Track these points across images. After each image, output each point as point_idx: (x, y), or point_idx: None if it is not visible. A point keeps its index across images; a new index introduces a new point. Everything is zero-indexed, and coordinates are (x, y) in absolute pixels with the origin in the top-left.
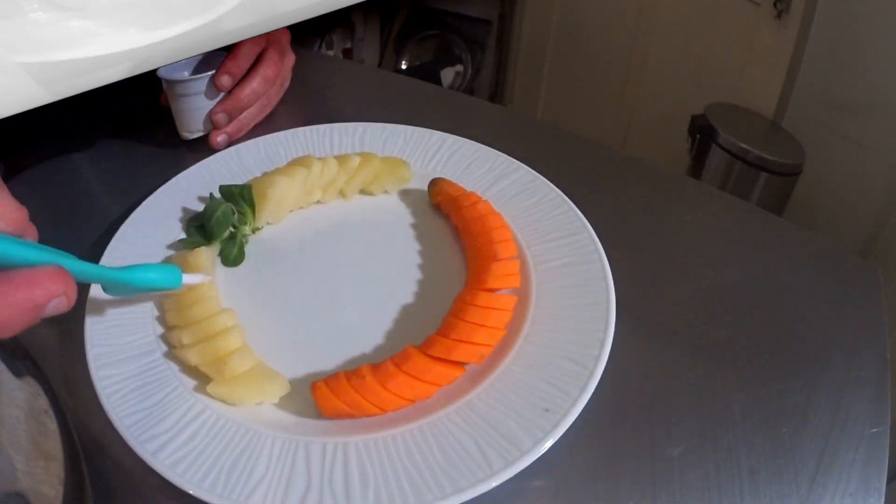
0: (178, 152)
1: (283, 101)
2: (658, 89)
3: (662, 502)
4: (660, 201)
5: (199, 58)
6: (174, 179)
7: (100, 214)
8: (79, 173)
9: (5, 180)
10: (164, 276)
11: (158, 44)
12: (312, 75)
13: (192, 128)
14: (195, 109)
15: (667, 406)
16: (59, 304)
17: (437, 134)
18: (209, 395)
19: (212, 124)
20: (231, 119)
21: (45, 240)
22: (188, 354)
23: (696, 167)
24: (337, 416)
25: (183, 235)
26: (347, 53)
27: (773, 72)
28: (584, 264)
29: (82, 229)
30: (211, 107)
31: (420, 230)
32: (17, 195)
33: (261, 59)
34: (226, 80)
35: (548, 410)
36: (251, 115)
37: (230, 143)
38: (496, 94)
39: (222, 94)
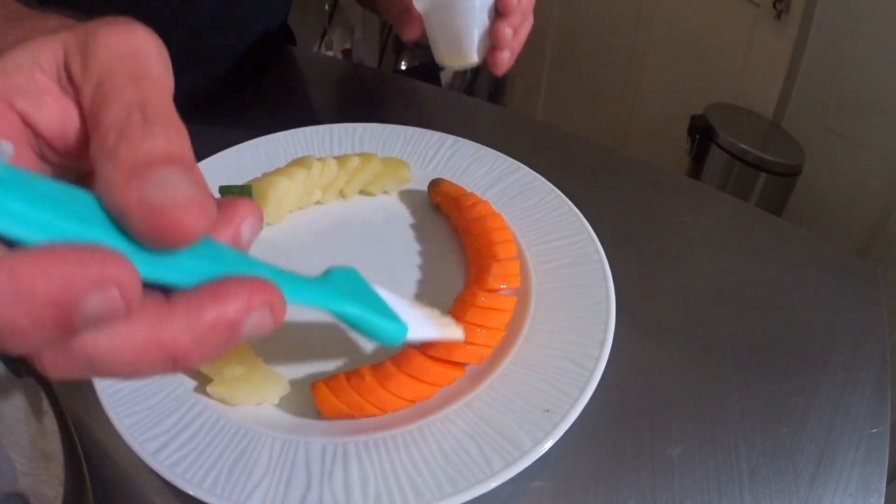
0: None
1: (282, 101)
2: (658, 89)
3: (662, 502)
4: (660, 202)
5: None
6: None
7: None
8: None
9: None
10: (392, 327)
11: None
12: (312, 75)
13: (470, 49)
14: (475, 26)
15: (667, 406)
16: (262, 319)
17: (437, 134)
18: (209, 396)
19: (489, 43)
20: (514, 35)
21: None
22: None
23: (696, 167)
24: (337, 416)
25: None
26: (347, 53)
27: (773, 72)
28: (584, 265)
29: None
30: (485, 23)
31: (420, 231)
32: None
33: None
34: None
35: (548, 411)
36: (526, 31)
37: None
38: (496, 95)
39: (492, 7)
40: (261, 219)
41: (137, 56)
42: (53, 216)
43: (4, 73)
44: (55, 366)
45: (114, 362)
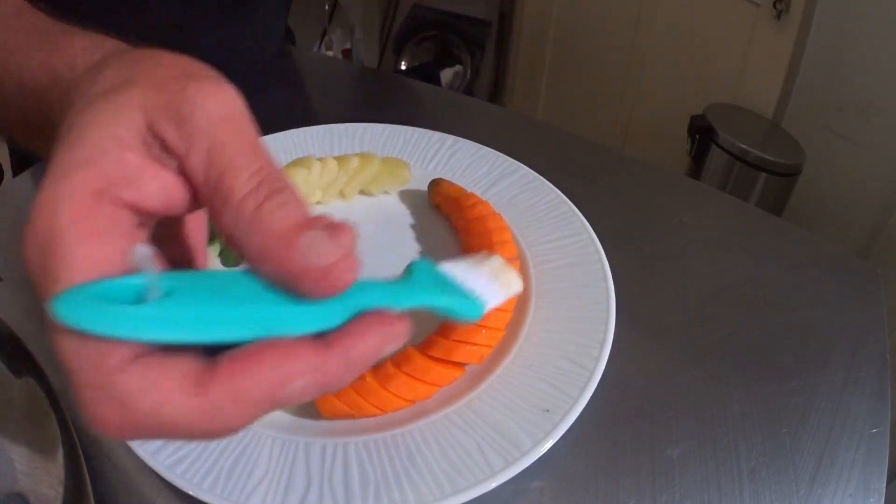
0: None
1: (282, 101)
2: (658, 90)
3: (662, 502)
4: (660, 202)
5: None
6: None
7: None
8: None
9: (14, 174)
10: (473, 308)
11: None
12: (312, 75)
13: None
14: None
15: (667, 406)
16: (396, 346)
17: (437, 134)
18: None
19: None
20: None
21: None
22: None
23: (696, 167)
24: (337, 416)
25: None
26: (347, 53)
27: (773, 72)
28: (584, 265)
29: None
30: None
31: (420, 231)
32: (25, 190)
33: None
34: None
35: (548, 411)
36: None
37: None
38: (496, 95)
39: None
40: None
41: (239, 120)
42: (219, 308)
43: (95, 165)
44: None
45: (291, 400)
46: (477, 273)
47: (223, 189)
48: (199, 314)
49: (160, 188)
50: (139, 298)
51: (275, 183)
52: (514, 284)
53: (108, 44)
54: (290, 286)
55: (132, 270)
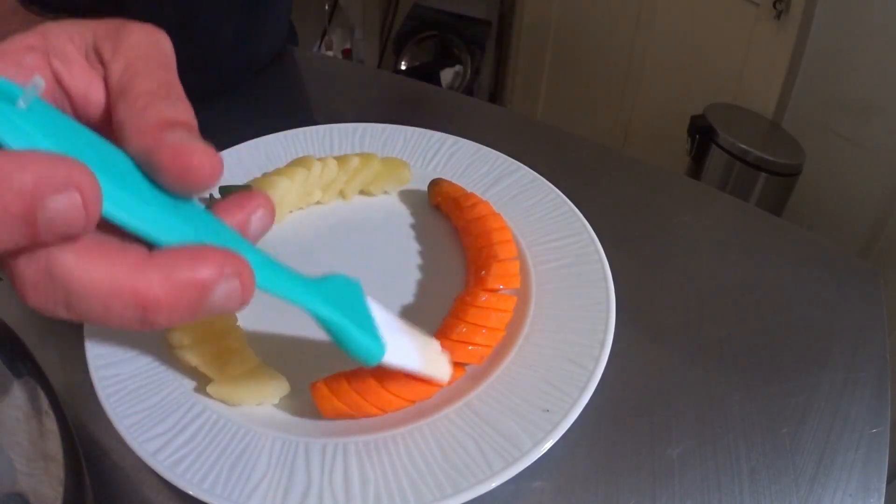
0: None
1: (282, 101)
2: (657, 90)
3: (662, 502)
4: (659, 202)
5: None
6: None
7: None
8: None
9: None
10: (369, 345)
11: None
12: (312, 75)
13: None
14: None
15: (667, 406)
16: (231, 291)
17: (437, 134)
18: (209, 396)
19: None
20: None
21: None
22: (188, 355)
23: (696, 168)
24: (337, 416)
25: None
26: (347, 53)
27: (773, 72)
28: (584, 265)
29: None
30: None
31: (420, 231)
32: None
33: None
34: None
35: (548, 411)
36: None
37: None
38: (496, 95)
39: None
40: (272, 214)
41: (161, 48)
42: (67, 147)
43: (44, 35)
44: (35, 288)
45: (88, 296)
46: (408, 335)
47: (129, 89)
48: (51, 137)
49: (84, 80)
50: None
51: (175, 94)
52: (440, 369)
53: None
54: (154, 167)
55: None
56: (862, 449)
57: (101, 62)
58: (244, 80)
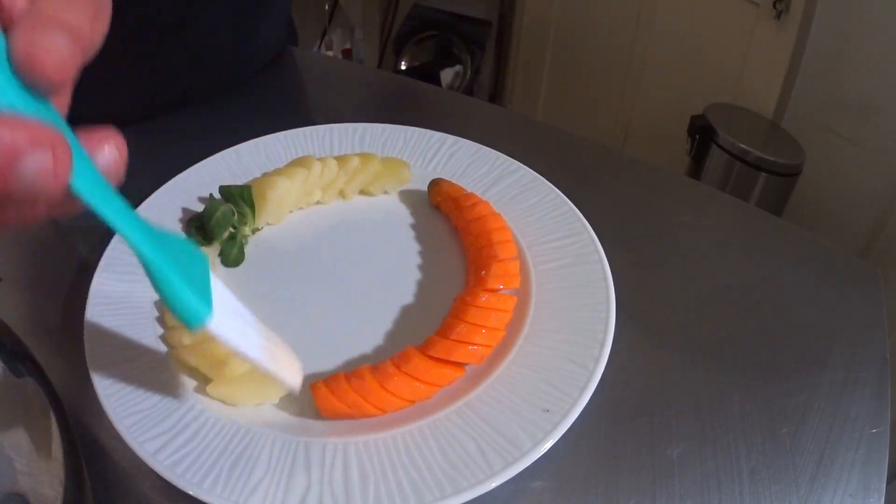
0: (177, 153)
1: (282, 101)
2: (657, 89)
3: (662, 502)
4: (659, 202)
5: None
6: (173, 180)
7: None
8: None
9: None
10: (195, 305)
11: None
12: (312, 75)
13: None
14: None
15: (667, 406)
16: (42, 164)
17: (437, 134)
18: (209, 396)
19: None
20: None
21: None
22: (188, 355)
23: (696, 168)
24: (337, 416)
25: (183, 236)
26: (347, 53)
27: (773, 72)
28: (584, 265)
29: (81, 230)
30: None
31: (420, 231)
32: None
33: None
34: None
35: (548, 411)
36: None
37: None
38: (496, 95)
39: None
40: (124, 157)
41: None
42: None
43: None
44: None
45: None
46: (248, 320)
47: None
48: None
49: None
50: None
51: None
52: (287, 371)
53: None
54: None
55: None
56: (862, 449)
57: None
58: (244, 80)
